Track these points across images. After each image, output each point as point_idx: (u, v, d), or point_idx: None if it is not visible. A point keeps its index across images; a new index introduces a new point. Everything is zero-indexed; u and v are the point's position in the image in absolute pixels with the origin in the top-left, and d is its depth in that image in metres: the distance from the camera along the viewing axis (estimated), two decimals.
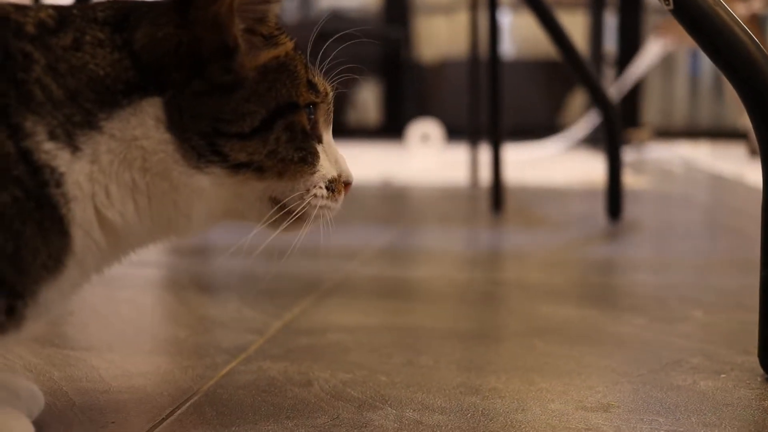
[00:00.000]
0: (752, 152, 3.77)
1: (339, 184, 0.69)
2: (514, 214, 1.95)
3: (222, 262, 1.36)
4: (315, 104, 0.67)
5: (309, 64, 0.68)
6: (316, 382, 0.78)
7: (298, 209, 0.66)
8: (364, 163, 3.42)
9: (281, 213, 0.66)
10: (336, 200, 0.68)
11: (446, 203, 2.28)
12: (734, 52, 0.79)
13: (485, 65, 2.18)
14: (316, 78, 0.68)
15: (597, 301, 1.14)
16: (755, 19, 3.64)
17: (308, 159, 0.66)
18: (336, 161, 0.69)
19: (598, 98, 1.80)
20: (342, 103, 5.09)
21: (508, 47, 5.37)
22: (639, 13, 5.07)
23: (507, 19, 5.31)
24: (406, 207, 2.19)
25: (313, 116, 0.67)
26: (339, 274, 1.28)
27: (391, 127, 5.01)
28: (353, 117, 5.15)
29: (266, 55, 0.65)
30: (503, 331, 0.98)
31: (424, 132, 4.31)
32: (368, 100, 5.15)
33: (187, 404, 0.72)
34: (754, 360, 0.81)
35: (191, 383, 0.78)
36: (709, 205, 2.25)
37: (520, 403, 0.72)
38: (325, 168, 0.68)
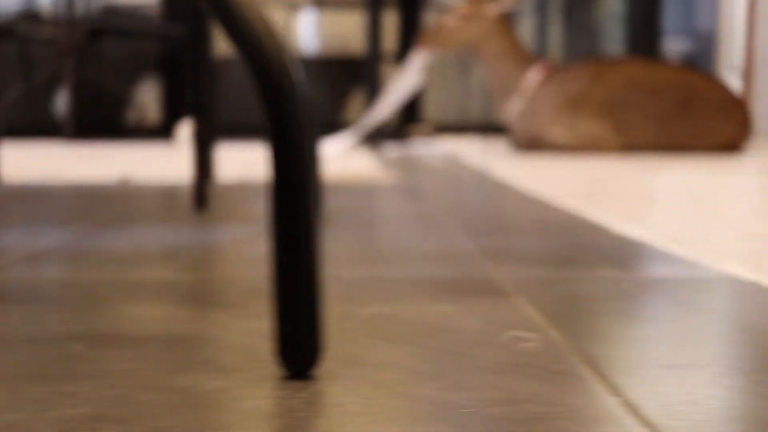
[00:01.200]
0: (516, 146, 3.83)
1: None
2: (217, 212, 1.89)
3: None
4: None
5: None
6: None
7: None
8: (122, 163, 3.30)
9: None
10: None
11: (162, 201, 2.20)
12: (252, 46, 0.76)
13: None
14: None
15: (200, 298, 1.08)
16: (504, 18, 3.69)
17: None
18: None
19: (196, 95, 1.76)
20: (119, 102, 4.94)
21: (312, 45, 5.33)
22: (419, 12, 5.11)
23: (312, 17, 5.28)
24: (110, 206, 2.08)
25: None
26: None
27: (172, 127, 4.89)
28: (132, 117, 4.99)
29: None
30: (66, 336, 0.90)
31: (190, 130, 4.19)
32: (148, 99, 5.00)
33: None
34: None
35: None
36: (436, 198, 2.24)
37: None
38: None
